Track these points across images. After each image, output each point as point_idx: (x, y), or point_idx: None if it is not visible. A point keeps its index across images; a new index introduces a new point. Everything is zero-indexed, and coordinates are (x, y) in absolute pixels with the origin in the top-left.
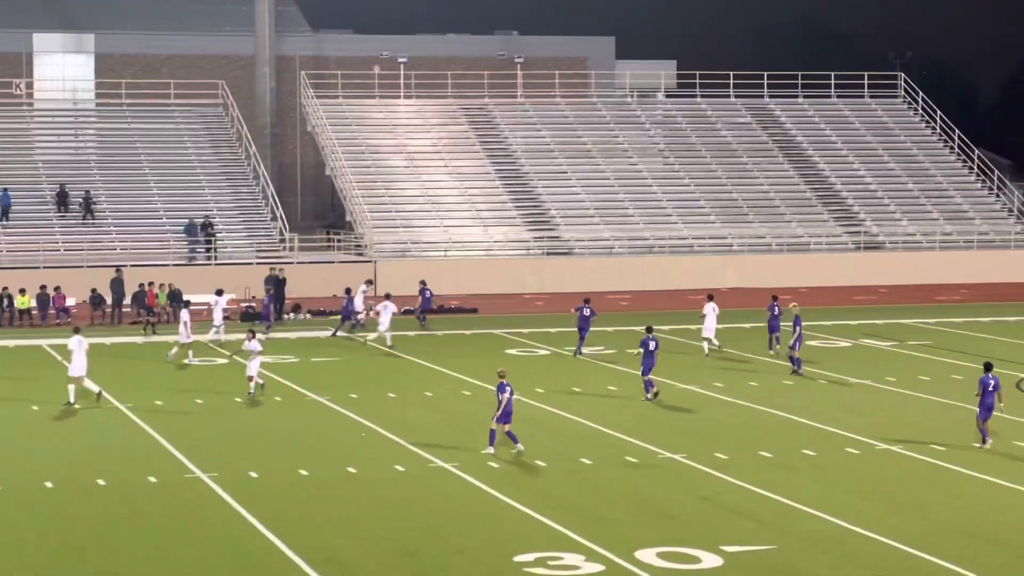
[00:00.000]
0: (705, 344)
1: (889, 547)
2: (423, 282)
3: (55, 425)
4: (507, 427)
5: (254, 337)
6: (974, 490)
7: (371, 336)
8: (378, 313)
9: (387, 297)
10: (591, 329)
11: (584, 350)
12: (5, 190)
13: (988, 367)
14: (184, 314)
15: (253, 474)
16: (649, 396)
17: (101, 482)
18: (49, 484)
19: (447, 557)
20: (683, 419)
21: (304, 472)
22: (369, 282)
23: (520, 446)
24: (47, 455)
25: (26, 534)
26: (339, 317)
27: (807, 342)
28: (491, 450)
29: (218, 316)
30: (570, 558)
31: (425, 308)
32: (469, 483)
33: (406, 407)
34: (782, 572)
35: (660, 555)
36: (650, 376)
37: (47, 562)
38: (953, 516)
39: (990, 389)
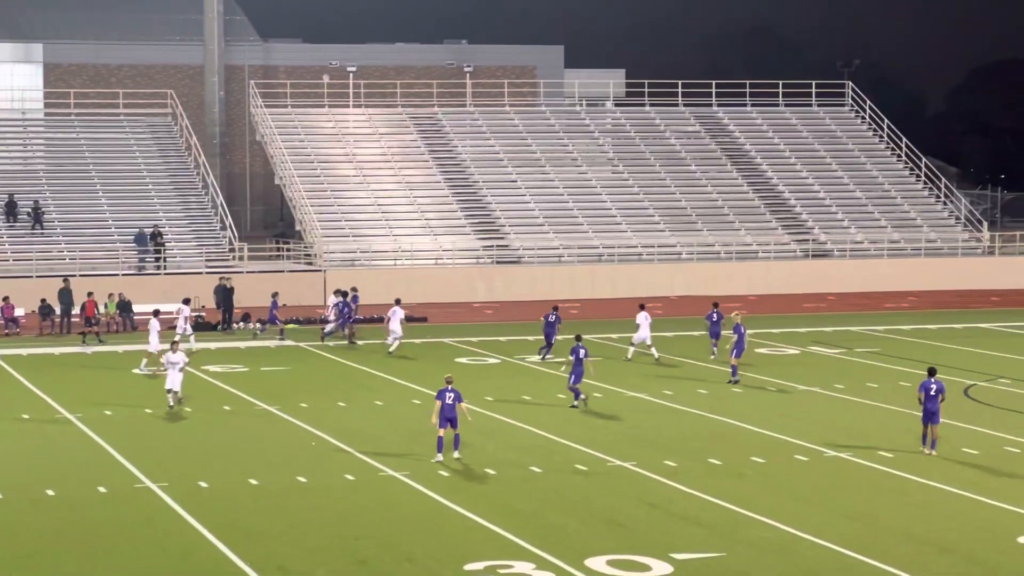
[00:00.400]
0: (631, 349)
1: (838, 553)
2: (354, 288)
3: (3, 436)
4: (455, 431)
5: (178, 349)
6: (922, 496)
7: (391, 347)
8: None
9: (397, 303)
10: (557, 336)
11: (545, 356)
12: None
13: (931, 372)
14: (155, 323)
15: (203, 484)
16: (575, 403)
17: (50, 492)
18: None
19: (397, 566)
20: (632, 427)
21: (254, 482)
22: (338, 292)
23: (455, 454)
24: None
25: None
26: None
27: (756, 349)
28: (439, 458)
29: (182, 325)
30: (520, 566)
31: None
32: (419, 492)
33: (356, 416)
34: None
35: (610, 563)
36: (578, 385)
37: None
38: (901, 522)
39: (931, 393)
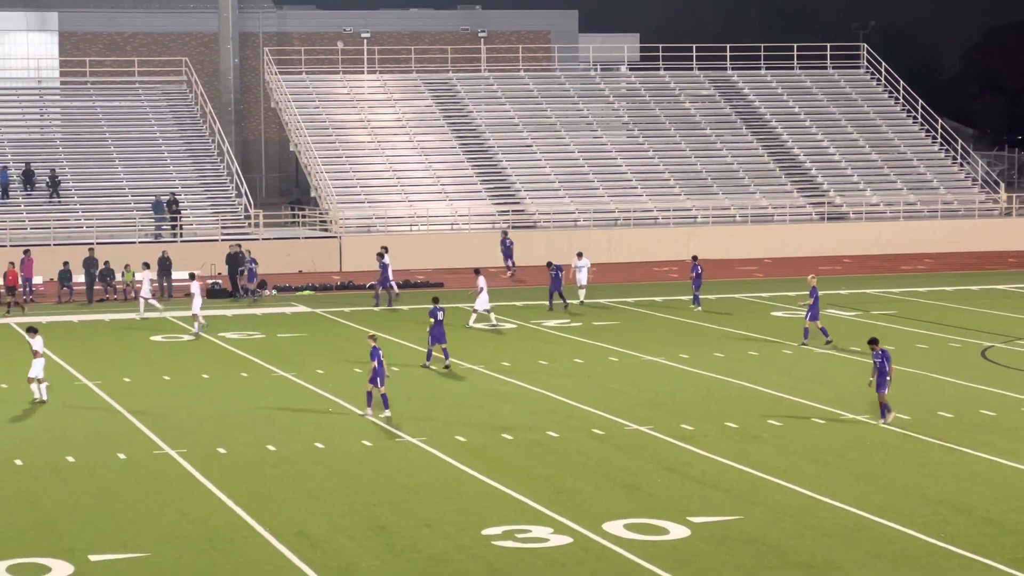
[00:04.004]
0: (490, 316)
1: (855, 515)
2: (247, 251)
3: (23, 403)
4: (382, 390)
5: (36, 334)
6: (938, 458)
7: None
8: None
9: (579, 256)
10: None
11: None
12: (4, 168)
13: (877, 342)
14: (195, 286)
15: (221, 450)
16: (443, 365)
17: (70, 459)
18: (19, 462)
19: (415, 531)
20: (649, 391)
21: (272, 448)
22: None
23: (388, 412)
24: (16, 433)
25: None
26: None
27: (772, 312)
28: (369, 412)
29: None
30: (538, 530)
31: (251, 278)
32: (436, 457)
33: None
34: (749, 542)
35: (627, 527)
36: (445, 345)
37: (18, 539)
38: (918, 484)
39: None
